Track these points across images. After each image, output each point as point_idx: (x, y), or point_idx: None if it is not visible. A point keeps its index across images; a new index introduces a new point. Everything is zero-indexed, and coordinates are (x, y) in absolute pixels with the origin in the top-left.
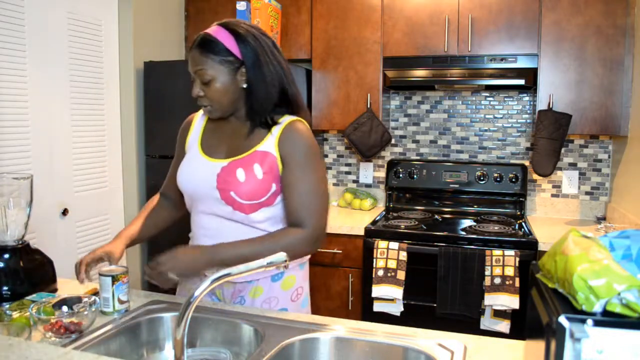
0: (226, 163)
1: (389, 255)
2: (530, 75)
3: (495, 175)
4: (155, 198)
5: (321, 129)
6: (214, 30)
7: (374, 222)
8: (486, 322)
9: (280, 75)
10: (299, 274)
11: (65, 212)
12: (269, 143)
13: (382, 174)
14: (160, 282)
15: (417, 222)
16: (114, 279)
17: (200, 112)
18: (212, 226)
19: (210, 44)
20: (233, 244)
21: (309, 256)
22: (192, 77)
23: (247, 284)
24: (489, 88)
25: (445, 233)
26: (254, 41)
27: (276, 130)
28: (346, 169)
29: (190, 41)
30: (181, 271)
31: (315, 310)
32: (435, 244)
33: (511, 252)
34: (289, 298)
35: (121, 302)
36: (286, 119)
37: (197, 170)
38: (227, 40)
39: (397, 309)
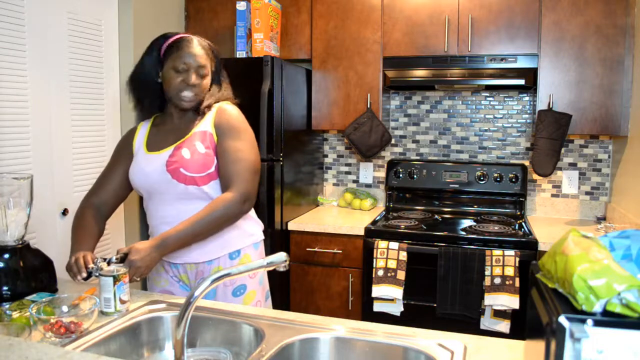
0: (172, 149)
1: (389, 255)
2: (530, 75)
3: (495, 175)
4: (85, 209)
5: (321, 129)
6: (202, 39)
7: (374, 222)
8: (486, 322)
9: (227, 82)
10: (254, 253)
11: (65, 212)
12: (206, 122)
13: (382, 174)
14: (131, 279)
15: (417, 222)
16: (115, 279)
17: (142, 123)
18: (170, 214)
19: (208, 47)
20: (175, 230)
21: (262, 237)
22: (183, 67)
23: (207, 265)
24: (489, 88)
25: (445, 233)
26: (218, 52)
27: (211, 112)
28: (346, 169)
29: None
30: (145, 267)
31: (315, 310)
32: (435, 244)
33: (511, 252)
34: (246, 275)
35: (122, 302)
36: (218, 104)
37: (148, 165)
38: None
39: (397, 309)
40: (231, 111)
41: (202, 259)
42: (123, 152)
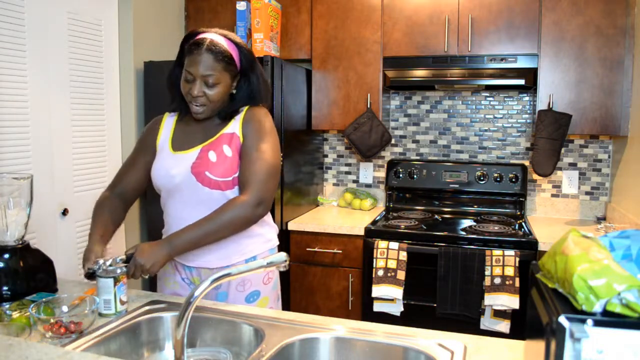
0: (198, 150)
1: (389, 255)
2: (530, 75)
3: (495, 175)
4: (106, 197)
5: (321, 129)
6: (220, 39)
7: (374, 222)
8: (486, 322)
9: (259, 87)
10: None
11: (65, 212)
12: (234, 125)
13: (382, 174)
14: (137, 277)
15: (417, 222)
16: (116, 280)
17: (168, 114)
18: (189, 215)
19: (221, 51)
20: (184, 231)
21: (277, 243)
22: (190, 77)
23: (222, 270)
24: (489, 88)
25: (445, 233)
26: (248, 54)
27: (239, 115)
28: (346, 169)
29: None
30: (149, 266)
31: (315, 310)
32: (435, 244)
33: (511, 252)
34: (261, 281)
35: (122, 302)
36: (247, 106)
37: (173, 165)
38: (233, 51)
39: (397, 309)
40: (260, 113)
41: (218, 264)
42: (146, 146)
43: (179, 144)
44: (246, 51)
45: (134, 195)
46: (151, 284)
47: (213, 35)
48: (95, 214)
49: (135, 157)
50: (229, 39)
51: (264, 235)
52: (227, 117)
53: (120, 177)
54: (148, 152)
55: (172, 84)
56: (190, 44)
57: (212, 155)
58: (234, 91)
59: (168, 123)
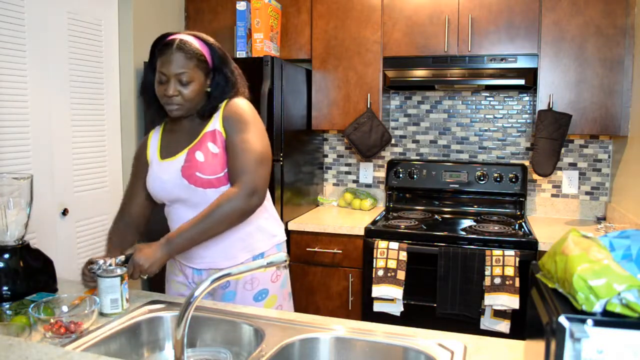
0: (185, 154)
1: (389, 255)
2: (530, 75)
3: (495, 175)
4: (115, 230)
5: (321, 129)
6: (189, 38)
7: (374, 222)
8: (486, 322)
9: (234, 81)
10: None
11: (65, 212)
12: (215, 122)
13: (382, 174)
14: (135, 277)
15: (417, 222)
16: (122, 278)
17: (153, 131)
18: (190, 216)
19: (192, 50)
20: (182, 229)
21: (284, 238)
22: (164, 78)
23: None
24: (489, 88)
25: (445, 233)
26: (219, 50)
27: (218, 111)
28: (346, 169)
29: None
30: (148, 266)
31: (315, 310)
32: (435, 244)
33: (511, 252)
34: (269, 279)
35: (127, 300)
36: (226, 101)
37: (164, 173)
38: (203, 48)
39: (397, 309)
40: (238, 104)
41: (226, 264)
42: (139, 166)
43: (166, 152)
44: (216, 48)
45: (143, 221)
46: (151, 284)
47: (182, 35)
48: (108, 244)
49: (134, 182)
50: (198, 38)
51: (268, 231)
52: (206, 115)
53: (125, 207)
54: (143, 172)
55: (146, 89)
56: (160, 47)
57: (200, 156)
58: (209, 89)
59: (154, 137)
